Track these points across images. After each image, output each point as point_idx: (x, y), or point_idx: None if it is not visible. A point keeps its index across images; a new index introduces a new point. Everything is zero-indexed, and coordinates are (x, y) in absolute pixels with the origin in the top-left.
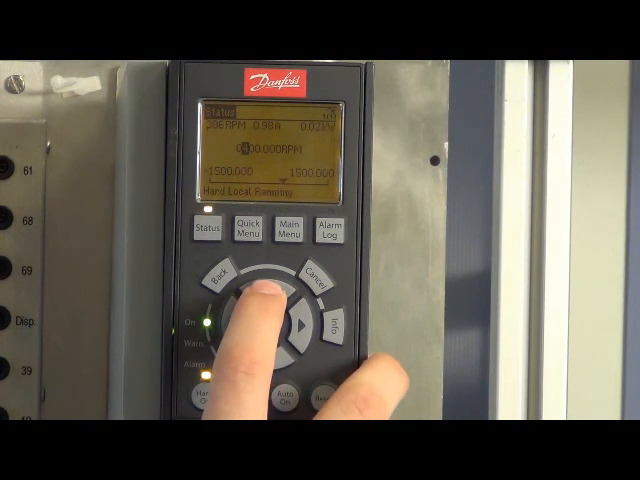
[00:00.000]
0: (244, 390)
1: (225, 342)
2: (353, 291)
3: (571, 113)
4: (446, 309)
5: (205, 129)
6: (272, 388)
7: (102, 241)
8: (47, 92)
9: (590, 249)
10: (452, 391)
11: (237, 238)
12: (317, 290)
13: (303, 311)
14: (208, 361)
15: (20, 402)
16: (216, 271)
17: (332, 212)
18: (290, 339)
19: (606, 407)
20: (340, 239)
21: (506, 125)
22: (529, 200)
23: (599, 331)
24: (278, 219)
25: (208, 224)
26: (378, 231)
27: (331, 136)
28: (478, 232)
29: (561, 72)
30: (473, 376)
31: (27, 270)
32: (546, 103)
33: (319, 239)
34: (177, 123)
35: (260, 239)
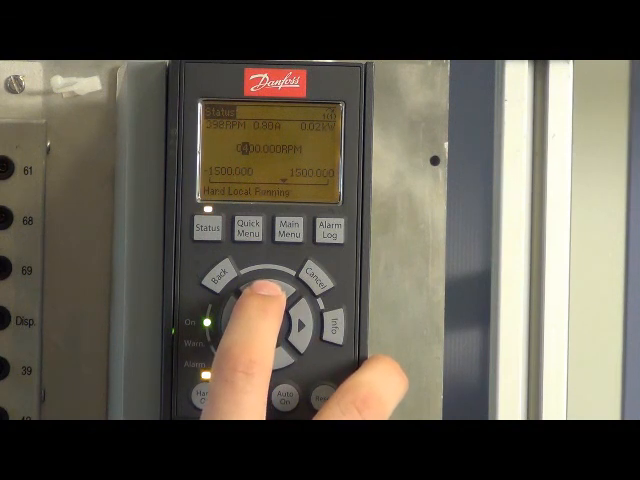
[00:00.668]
0: (243, 390)
1: (224, 342)
2: (353, 291)
3: (571, 113)
4: (446, 309)
5: (205, 129)
6: (272, 388)
7: (102, 241)
8: (47, 92)
9: (590, 249)
10: (452, 391)
11: (237, 238)
12: (317, 290)
13: (303, 311)
14: (208, 361)
15: (20, 402)
16: (216, 271)
17: (332, 212)
18: (290, 339)
19: (606, 407)
20: (340, 239)
21: (506, 125)
22: (529, 200)
23: (599, 331)
24: (278, 219)
25: (208, 224)
26: (378, 231)
27: (331, 136)
28: (478, 232)
29: (561, 72)
30: (473, 376)
31: (27, 270)
32: (546, 103)
33: (319, 239)
34: (177, 123)
35: (260, 239)
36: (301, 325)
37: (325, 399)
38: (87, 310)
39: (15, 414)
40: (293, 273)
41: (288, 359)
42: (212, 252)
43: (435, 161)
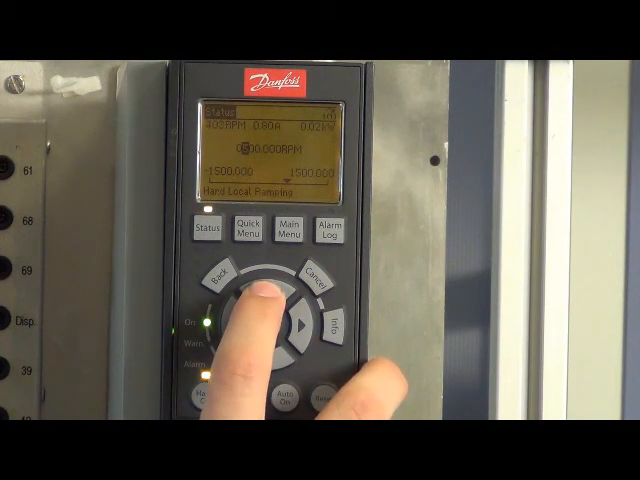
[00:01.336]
0: (241, 393)
1: (223, 345)
2: (353, 291)
3: (571, 113)
4: (446, 309)
5: (205, 129)
6: (272, 388)
7: (102, 241)
8: (47, 92)
9: (590, 249)
10: (452, 391)
11: (237, 238)
12: (317, 290)
13: (303, 311)
14: (208, 361)
15: (20, 402)
16: (216, 271)
17: (332, 212)
18: (290, 339)
19: (606, 407)
20: (340, 239)
21: (506, 125)
22: (529, 200)
23: (599, 331)
24: (278, 219)
25: (208, 224)
26: (378, 231)
27: (331, 136)
28: (478, 232)
29: (561, 72)
30: (473, 376)
31: (27, 270)
32: (546, 103)
33: (319, 239)
34: (177, 123)
35: (260, 239)
36: (301, 325)
37: (325, 399)
38: (87, 310)
39: (15, 414)
40: (293, 273)
41: (288, 359)
42: (212, 252)
43: (435, 161)
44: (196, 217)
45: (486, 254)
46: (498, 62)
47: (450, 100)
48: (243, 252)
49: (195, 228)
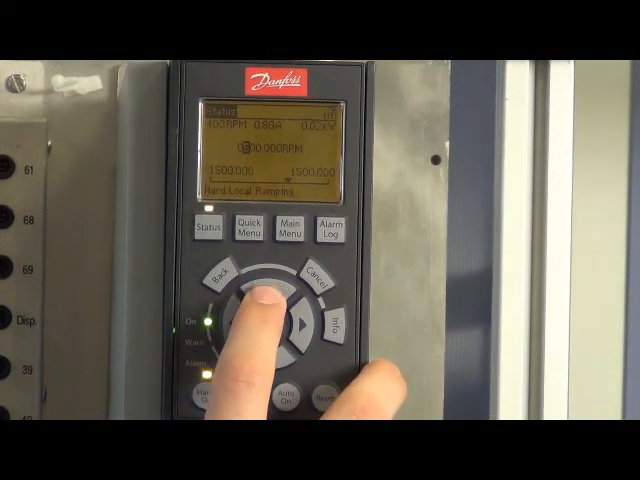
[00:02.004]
0: (244, 399)
1: (225, 352)
2: (354, 290)
3: (572, 113)
4: (447, 308)
5: (206, 128)
6: (273, 387)
7: (103, 240)
8: (48, 91)
9: (591, 249)
10: (453, 390)
11: (238, 237)
12: (318, 289)
13: (304, 310)
14: (209, 360)
15: (21, 401)
16: (217, 270)
17: (333, 211)
18: (291, 338)
19: (607, 407)
20: (341, 238)
21: (507, 125)
22: (530, 200)
23: (600, 331)
24: (279, 218)
25: (209, 223)
26: (379, 230)
27: (332, 135)
28: (479, 231)
29: (562, 72)
30: (474, 375)
31: (28, 269)
32: (547, 103)
33: (320, 238)
34: (178, 122)
35: (261, 238)
36: (302, 324)
37: (326, 398)
38: (88, 309)
39: (16, 413)
40: (294, 272)
41: (289, 358)
42: (213, 251)
43: (436, 160)
44: (197, 216)
45: (487, 253)
46: (499, 61)
47: (451, 99)
48: (244, 251)
49: (196, 227)
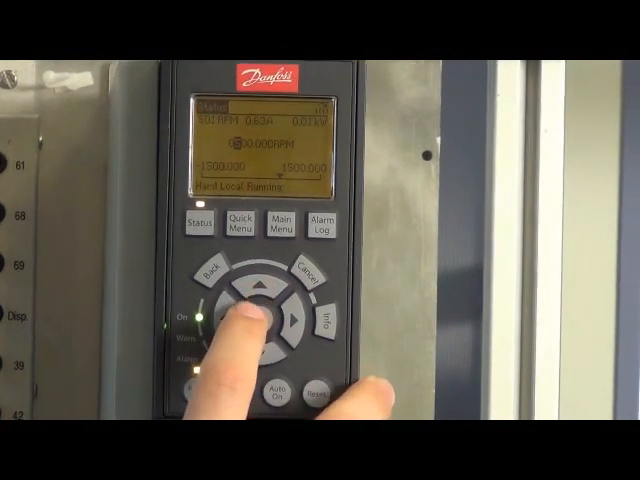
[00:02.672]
0: (224, 404)
1: (209, 358)
2: (345, 286)
3: (563, 108)
4: (438, 304)
5: (197, 124)
6: (264, 383)
7: (94, 236)
8: (39, 87)
9: (583, 244)
10: (444, 386)
11: (229, 233)
12: (309, 285)
13: (295, 306)
14: (200, 356)
15: (12, 397)
16: (208, 266)
17: (324, 207)
18: (282, 334)
19: (598, 406)
20: (332, 234)
21: (498, 120)
22: (521, 195)
23: (592, 325)
24: (270, 214)
25: (200, 219)
26: (370, 226)
27: (323, 131)
28: (470, 227)
29: (553, 68)
30: (465, 371)
31: (19, 265)
32: (538, 98)
33: (311, 234)
34: (169, 118)
35: (252, 234)
36: (293, 320)
37: (317, 394)
38: (79, 305)
39: (7, 409)
40: (285, 268)
41: (280, 354)
42: (204, 247)
43: (427, 156)
44: (188, 212)
45: (478, 249)
46: None
47: (442, 95)
48: (235, 247)
49: (187, 223)
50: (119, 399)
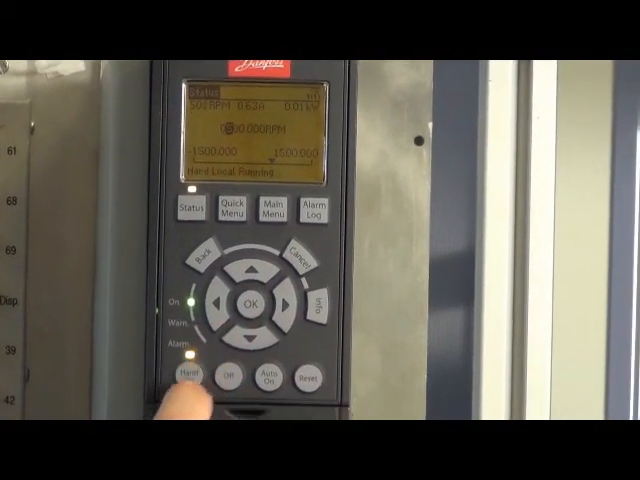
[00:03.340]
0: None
1: (162, 414)
2: (337, 271)
3: (555, 94)
4: (430, 289)
5: (189, 109)
6: (256, 367)
7: (86, 221)
8: (31, 72)
9: (574, 230)
10: (436, 370)
11: (221, 218)
12: (301, 270)
13: (287, 291)
14: (192, 340)
15: (4, 382)
16: (200, 251)
17: (316, 192)
18: (274, 319)
19: (590, 403)
20: (324, 219)
21: (490, 106)
22: (513, 181)
23: (583, 314)
24: (262, 199)
25: (192, 204)
26: (362, 211)
27: (315, 116)
28: (462, 212)
29: None
30: (457, 356)
31: (11, 250)
32: (530, 84)
33: (303, 219)
34: (161, 103)
35: (244, 219)
36: (285, 305)
37: (309, 379)
38: (71, 290)
39: None
40: (277, 253)
41: (272, 339)
42: (196, 232)
43: (419, 141)
44: (180, 197)
45: (470, 234)
46: None
47: (434, 80)
48: (227, 232)
49: (179, 208)
50: (111, 384)
